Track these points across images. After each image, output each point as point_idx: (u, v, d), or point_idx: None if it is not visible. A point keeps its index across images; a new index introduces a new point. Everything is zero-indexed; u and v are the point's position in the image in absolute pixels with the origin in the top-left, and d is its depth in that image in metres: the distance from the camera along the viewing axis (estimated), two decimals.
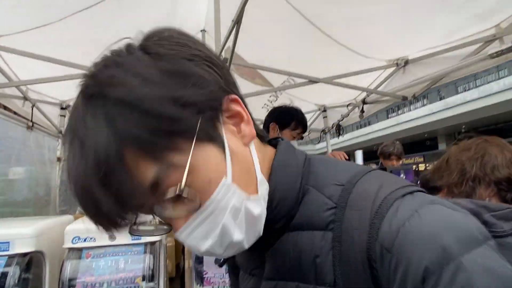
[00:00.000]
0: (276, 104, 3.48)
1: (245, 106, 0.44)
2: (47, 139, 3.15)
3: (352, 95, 3.15)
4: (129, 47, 0.39)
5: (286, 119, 1.84)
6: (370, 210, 0.39)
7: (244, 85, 2.73)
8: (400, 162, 2.93)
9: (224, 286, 1.27)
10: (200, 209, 0.38)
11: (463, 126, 17.03)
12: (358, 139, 20.26)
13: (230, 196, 0.39)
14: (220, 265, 0.58)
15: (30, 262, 1.18)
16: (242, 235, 0.41)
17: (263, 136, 0.49)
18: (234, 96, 0.42)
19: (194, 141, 0.37)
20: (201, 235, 0.40)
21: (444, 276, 0.33)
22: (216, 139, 0.40)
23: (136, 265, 1.24)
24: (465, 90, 14.49)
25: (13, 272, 1.10)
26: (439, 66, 2.38)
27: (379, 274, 0.37)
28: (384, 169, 2.98)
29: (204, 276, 1.24)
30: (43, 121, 3.07)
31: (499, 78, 13.47)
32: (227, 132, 0.41)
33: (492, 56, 1.95)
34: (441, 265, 0.33)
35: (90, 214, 0.36)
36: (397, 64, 2.60)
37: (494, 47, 1.96)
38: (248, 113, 0.43)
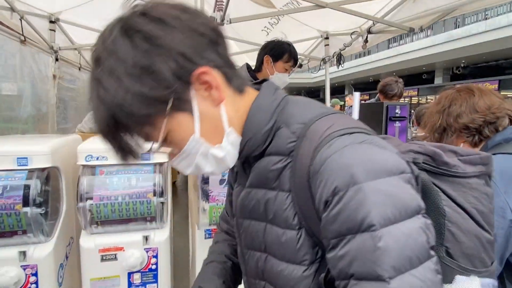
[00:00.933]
0: (276, 28, 3.33)
1: (226, 65, 0.56)
2: (41, 56, 3.03)
3: (357, 23, 3.02)
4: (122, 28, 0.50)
5: (279, 51, 1.94)
6: (316, 142, 0.52)
7: (243, 5, 2.57)
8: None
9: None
10: (180, 153, 0.56)
11: (463, 61, 16.67)
12: (356, 68, 19.84)
13: (198, 147, 0.55)
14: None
15: (48, 177, 1.27)
16: (212, 168, 0.59)
17: (243, 85, 0.61)
18: (202, 70, 0.51)
19: (165, 119, 0.51)
20: (184, 166, 0.58)
21: (347, 194, 0.45)
22: (186, 107, 0.53)
23: (147, 182, 1.34)
24: (472, 22, 13.81)
25: (35, 184, 1.19)
26: None
27: (312, 188, 0.51)
28: (381, 104, 3.02)
29: (209, 194, 1.35)
30: (34, 36, 2.93)
31: (510, 11, 12.76)
32: (198, 97, 0.53)
33: None
34: (347, 187, 0.46)
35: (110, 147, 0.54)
36: None
37: None
38: (218, 81, 0.54)
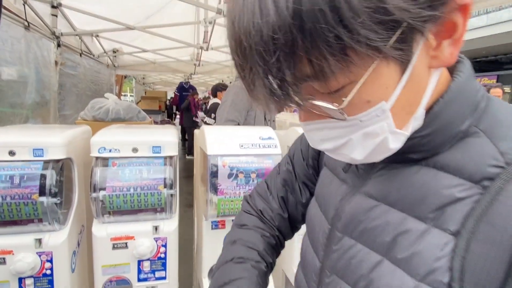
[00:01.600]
0: None
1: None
2: (44, 41, 3.02)
3: None
4: None
5: None
6: None
7: None
8: None
9: (234, 196, 1.44)
10: (342, 120, 0.37)
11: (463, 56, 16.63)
12: None
13: (377, 120, 0.36)
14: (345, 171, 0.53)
15: (62, 168, 1.30)
16: (362, 156, 0.39)
17: None
18: (467, 1, 0.33)
19: (377, 60, 0.33)
20: (324, 137, 0.40)
21: None
22: (403, 58, 0.34)
23: (157, 174, 1.38)
24: (473, 16, 13.76)
25: (51, 175, 1.23)
26: None
27: None
28: None
29: (218, 187, 1.39)
30: (37, 21, 2.91)
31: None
32: (421, 48, 0.35)
33: None
34: None
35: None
36: None
37: None
38: (463, 31, 0.35)
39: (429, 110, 0.41)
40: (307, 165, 0.68)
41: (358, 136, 0.38)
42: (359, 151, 0.39)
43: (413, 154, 0.42)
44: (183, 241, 1.65)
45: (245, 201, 0.77)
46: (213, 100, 4.80)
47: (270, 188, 0.72)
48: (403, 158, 0.43)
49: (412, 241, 0.39)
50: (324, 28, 0.29)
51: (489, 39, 13.23)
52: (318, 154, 0.67)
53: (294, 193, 0.70)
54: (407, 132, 0.39)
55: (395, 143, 0.39)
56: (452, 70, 0.43)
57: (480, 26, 13.08)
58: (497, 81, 17.71)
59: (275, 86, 0.34)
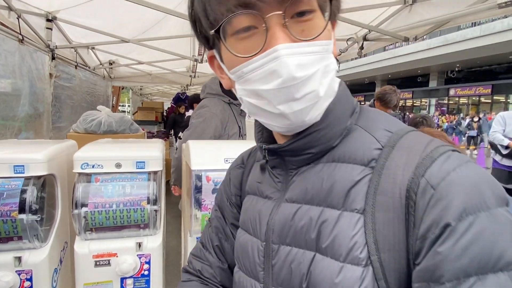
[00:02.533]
0: None
1: None
2: (39, 54, 3.04)
3: (353, 30, 3.06)
4: None
5: None
6: (421, 152, 0.43)
7: None
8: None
9: None
10: (321, 40, 0.45)
11: (457, 65, 16.83)
12: (351, 70, 19.91)
13: (330, 56, 0.46)
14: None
15: (44, 184, 1.29)
16: (324, 89, 0.45)
17: None
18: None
19: None
20: (300, 62, 0.43)
21: (479, 221, 0.37)
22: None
23: (141, 190, 1.37)
24: (467, 27, 13.98)
25: (31, 192, 1.21)
26: (446, 8, 2.31)
27: (416, 205, 0.40)
28: None
29: (202, 203, 1.38)
30: (32, 35, 2.93)
31: (505, 17, 12.91)
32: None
33: (500, 6, 1.90)
34: (479, 210, 0.37)
35: None
36: (404, 1, 2.50)
37: None
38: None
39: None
40: (231, 205, 0.69)
41: (322, 68, 0.45)
42: (322, 88, 0.45)
43: (311, 148, 0.50)
44: (176, 253, 1.63)
45: (183, 272, 0.74)
46: (189, 113, 4.60)
47: (204, 244, 0.72)
48: (306, 157, 0.50)
49: (330, 229, 0.45)
50: None
51: (482, 49, 13.40)
52: (240, 189, 0.67)
53: (227, 238, 0.69)
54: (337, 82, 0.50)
55: (329, 90, 0.47)
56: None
57: (474, 37, 13.26)
58: (492, 91, 17.88)
59: None
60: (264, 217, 0.54)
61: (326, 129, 0.49)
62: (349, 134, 0.50)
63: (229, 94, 2.26)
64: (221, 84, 2.09)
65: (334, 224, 0.45)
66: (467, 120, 14.77)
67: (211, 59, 0.56)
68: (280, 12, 0.42)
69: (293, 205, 0.51)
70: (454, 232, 0.37)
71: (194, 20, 0.52)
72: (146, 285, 1.42)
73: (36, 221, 1.24)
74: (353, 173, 0.46)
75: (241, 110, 2.38)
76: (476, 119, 13.73)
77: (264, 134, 0.58)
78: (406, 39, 2.77)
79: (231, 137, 2.32)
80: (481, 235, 0.36)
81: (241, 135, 2.45)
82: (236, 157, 0.70)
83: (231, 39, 0.45)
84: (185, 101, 9.11)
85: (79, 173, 1.34)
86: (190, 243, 1.51)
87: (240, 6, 0.42)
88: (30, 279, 1.26)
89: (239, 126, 2.39)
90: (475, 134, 13.11)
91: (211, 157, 1.44)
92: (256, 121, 0.57)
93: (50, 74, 3.47)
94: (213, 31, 0.45)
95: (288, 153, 0.51)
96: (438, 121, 15.73)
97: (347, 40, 3.13)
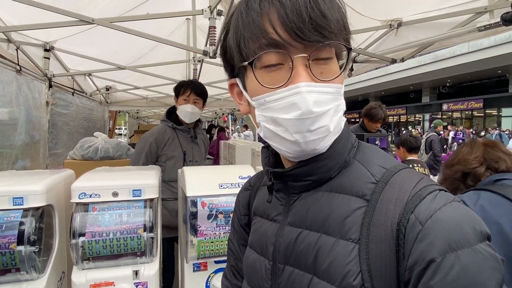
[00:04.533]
0: None
1: None
2: (36, 83, 3.11)
3: None
4: None
5: (176, 90, 2.60)
6: (411, 190, 0.48)
7: None
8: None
9: (214, 237, 1.45)
10: (335, 83, 0.52)
11: (448, 81, 17.18)
12: (345, 88, 20.21)
13: (341, 97, 0.53)
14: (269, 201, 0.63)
15: (42, 214, 1.31)
16: (333, 125, 0.52)
17: None
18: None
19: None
20: (317, 99, 0.49)
21: (463, 254, 0.41)
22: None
23: (137, 218, 1.39)
24: (455, 44, 14.37)
25: (30, 223, 1.24)
26: (431, 31, 2.41)
27: (405, 238, 0.45)
28: (365, 129, 3.13)
29: (198, 229, 1.41)
30: (29, 64, 3.01)
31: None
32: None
33: (479, 30, 1.99)
34: (462, 246, 0.42)
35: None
36: (390, 26, 2.60)
37: (483, 21, 1.99)
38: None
39: None
40: (241, 226, 0.75)
41: (334, 107, 0.51)
42: (332, 124, 0.51)
43: (311, 176, 0.55)
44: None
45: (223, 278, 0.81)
46: None
47: (227, 264, 0.79)
48: (306, 184, 0.56)
49: (326, 254, 0.50)
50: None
51: (471, 65, 13.73)
52: (248, 209, 0.73)
53: (240, 259, 0.74)
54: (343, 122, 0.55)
55: (337, 127, 0.53)
56: None
57: (462, 53, 13.62)
58: (483, 105, 18.17)
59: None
60: (271, 238, 0.60)
61: (327, 159, 0.54)
62: (347, 166, 0.55)
63: (174, 120, 2.55)
64: (167, 112, 2.61)
65: (330, 250, 0.50)
66: (495, 132, 13.97)
67: (232, 86, 0.63)
68: (306, 55, 0.49)
69: (295, 229, 0.56)
70: (441, 267, 0.41)
71: (225, 52, 0.59)
72: None
73: (34, 252, 1.26)
74: (349, 203, 0.51)
75: (192, 137, 2.58)
76: (495, 132, 13.39)
77: (271, 160, 0.64)
78: (394, 61, 2.87)
79: (170, 158, 2.47)
80: (467, 270, 0.40)
81: (186, 161, 2.54)
82: (230, 182, 0.74)
83: (259, 71, 0.52)
84: None
85: (77, 203, 1.36)
86: (186, 269, 1.52)
87: (270, 46, 0.50)
88: None
89: (183, 151, 2.51)
90: None
91: (205, 183, 1.47)
92: (263, 148, 0.65)
93: (47, 102, 3.53)
94: (246, 63, 0.52)
95: (291, 178, 0.57)
96: (463, 136, 14.87)
97: None
